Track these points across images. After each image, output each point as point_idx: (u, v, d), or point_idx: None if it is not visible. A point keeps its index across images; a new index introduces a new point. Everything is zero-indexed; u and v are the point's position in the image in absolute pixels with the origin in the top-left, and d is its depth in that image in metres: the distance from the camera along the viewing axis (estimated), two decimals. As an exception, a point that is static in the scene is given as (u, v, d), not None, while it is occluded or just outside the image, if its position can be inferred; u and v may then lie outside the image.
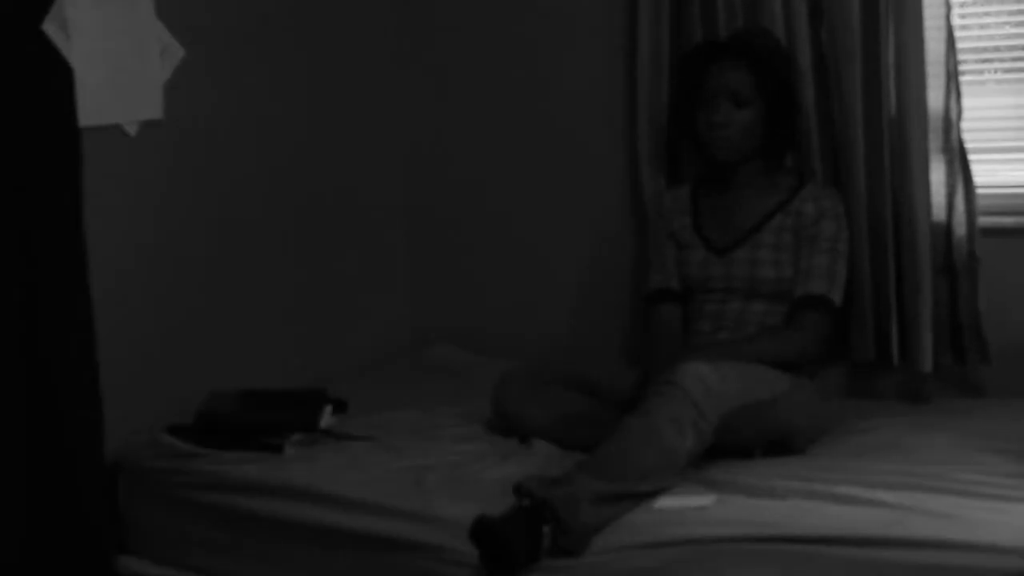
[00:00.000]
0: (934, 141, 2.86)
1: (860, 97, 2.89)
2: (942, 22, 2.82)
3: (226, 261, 3.07)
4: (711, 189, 2.95)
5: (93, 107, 2.64)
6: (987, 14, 3.01)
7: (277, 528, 2.50)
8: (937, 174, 2.87)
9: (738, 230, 2.86)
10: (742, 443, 2.53)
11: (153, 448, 2.70)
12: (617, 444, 2.34)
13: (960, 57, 2.89)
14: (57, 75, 2.58)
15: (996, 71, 3.05)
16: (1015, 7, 2.96)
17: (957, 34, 2.88)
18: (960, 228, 2.88)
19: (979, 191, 2.89)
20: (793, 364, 2.71)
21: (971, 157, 2.88)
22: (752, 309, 2.82)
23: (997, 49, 3.04)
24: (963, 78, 2.88)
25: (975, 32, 3.02)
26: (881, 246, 2.92)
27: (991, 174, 2.98)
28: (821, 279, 2.77)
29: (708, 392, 2.39)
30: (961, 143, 2.85)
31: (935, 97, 2.84)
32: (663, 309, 2.95)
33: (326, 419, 2.80)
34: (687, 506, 2.28)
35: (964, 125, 2.87)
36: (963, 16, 3.00)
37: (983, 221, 2.90)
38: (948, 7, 2.81)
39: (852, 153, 2.91)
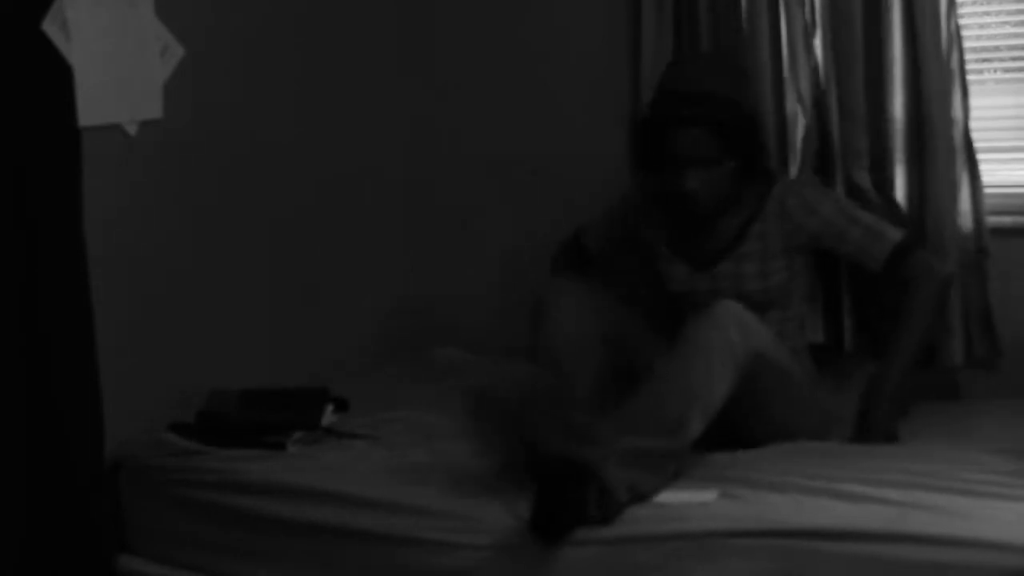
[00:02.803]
0: (944, 139, 2.85)
1: (863, 97, 2.88)
2: (947, 20, 2.81)
3: (226, 260, 3.06)
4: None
5: (93, 107, 2.64)
6: (987, 14, 3.01)
7: (279, 527, 2.50)
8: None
9: (718, 243, 2.78)
10: (750, 439, 2.54)
11: (154, 447, 2.70)
12: (651, 394, 2.36)
13: (960, 57, 2.89)
14: (57, 75, 2.58)
15: (996, 71, 3.06)
16: (1015, 7, 2.96)
17: (957, 34, 2.89)
18: (967, 225, 2.87)
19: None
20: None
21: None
22: None
23: (997, 49, 3.04)
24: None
25: (975, 32, 3.02)
26: None
27: (991, 174, 2.98)
28: (880, 236, 2.69)
29: (743, 325, 2.42)
30: (968, 140, 2.84)
31: (945, 94, 2.84)
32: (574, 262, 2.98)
33: (327, 417, 2.81)
34: (690, 501, 2.27)
35: (962, 125, 2.87)
36: (963, 16, 3.00)
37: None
38: (952, 5, 2.81)
39: (854, 152, 2.90)
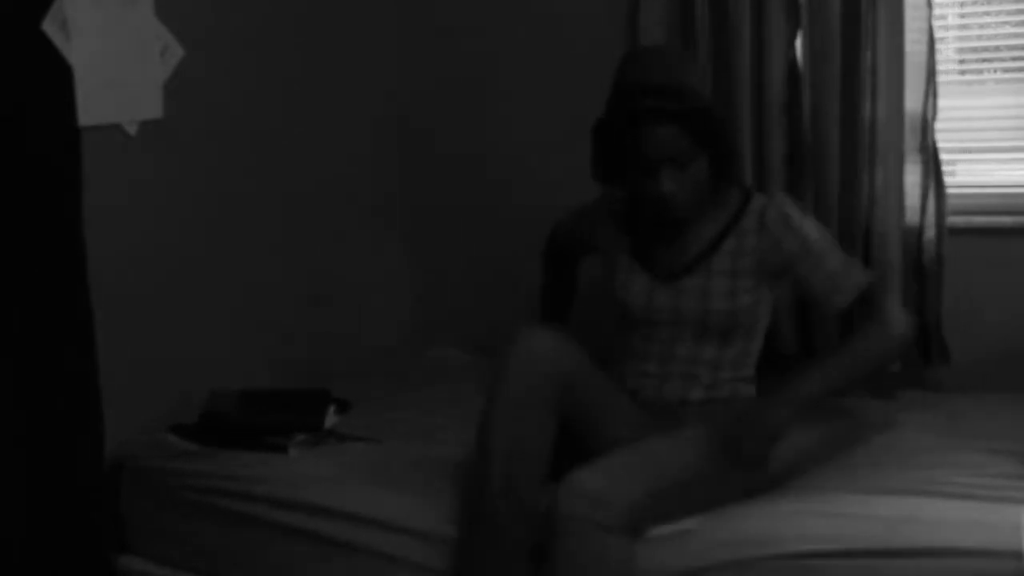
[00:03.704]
0: (911, 142, 2.85)
1: (837, 98, 2.88)
2: (923, 24, 2.81)
3: (226, 260, 3.06)
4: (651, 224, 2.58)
5: (93, 107, 2.64)
6: (987, 14, 3.01)
7: (278, 530, 2.49)
8: (912, 176, 2.87)
9: (685, 256, 2.53)
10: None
11: (155, 448, 2.70)
12: None
13: (960, 57, 2.89)
14: (57, 75, 2.58)
15: (996, 71, 3.06)
16: (1015, 7, 2.97)
17: (957, 34, 2.89)
18: (930, 230, 2.87)
19: (980, 191, 2.89)
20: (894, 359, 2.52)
21: (970, 157, 2.89)
22: (704, 352, 2.50)
23: (997, 49, 3.04)
24: (963, 78, 2.88)
25: (975, 32, 3.03)
26: (850, 247, 2.91)
27: (990, 174, 2.99)
28: (850, 275, 2.46)
29: (597, 503, 2.14)
30: (935, 144, 2.84)
31: (913, 99, 2.83)
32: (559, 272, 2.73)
33: (330, 419, 2.80)
34: (674, 530, 2.22)
35: (963, 125, 2.87)
36: (963, 16, 3.01)
37: (982, 221, 2.91)
38: (930, 7, 2.81)
39: (826, 155, 2.90)
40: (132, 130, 2.79)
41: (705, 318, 2.48)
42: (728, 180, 2.54)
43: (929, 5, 2.80)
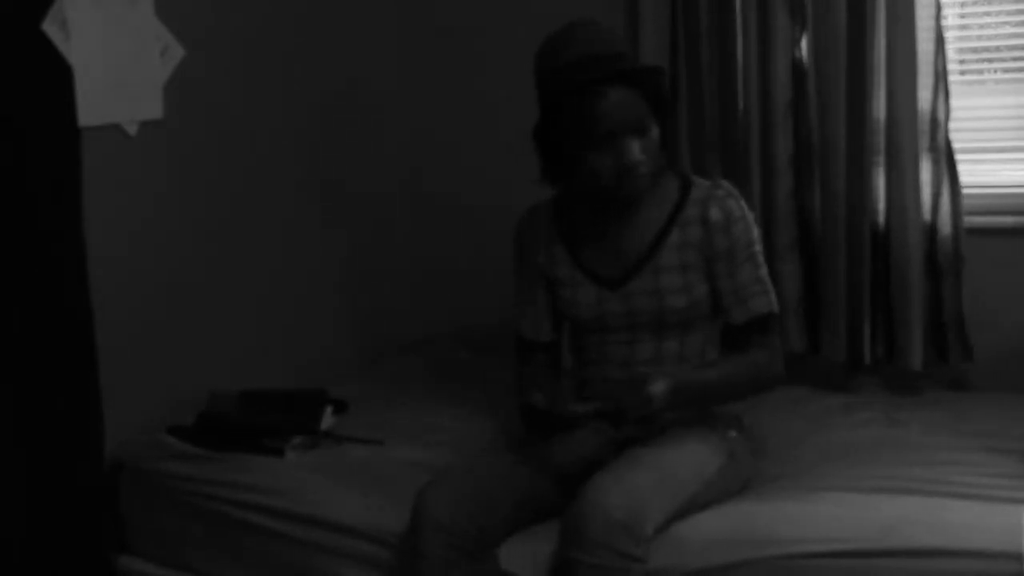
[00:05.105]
0: (922, 141, 2.85)
1: (844, 97, 2.88)
2: (932, 22, 2.81)
3: (226, 260, 3.06)
4: (587, 214, 2.47)
5: (93, 107, 2.64)
6: (987, 14, 3.01)
7: (274, 535, 2.49)
8: (924, 174, 2.87)
9: (629, 256, 2.41)
10: None
11: (153, 448, 2.70)
12: None
13: (960, 57, 2.89)
14: (57, 75, 2.58)
15: (996, 71, 3.06)
16: (1015, 7, 2.97)
17: (957, 34, 2.89)
18: (945, 228, 2.87)
19: (980, 191, 2.89)
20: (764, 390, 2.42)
21: (971, 157, 2.89)
22: (666, 347, 2.42)
23: (997, 49, 3.04)
24: (963, 78, 2.88)
25: (975, 32, 3.03)
26: (858, 246, 2.92)
27: (991, 174, 2.99)
28: (757, 296, 2.37)
29: (630, 536, 2.09)
30: (948, 143, 2.84)
31: (923, 97, 2.84)
32: (534, 358, 2.57)
33: (326, 420, 2.79)
34: (674, 531, 2.21)
35: (963, 125, 2.87)
36: (963, 16, 3.01)
37: (983, 221, 2.91)
38: (938, 7, 2.81)
39: (833, 154, 2.90)
40: (132, 130, 2.79)
41: (661, 317, 2.40)
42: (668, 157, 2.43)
43: (937, 5, 2.80)
